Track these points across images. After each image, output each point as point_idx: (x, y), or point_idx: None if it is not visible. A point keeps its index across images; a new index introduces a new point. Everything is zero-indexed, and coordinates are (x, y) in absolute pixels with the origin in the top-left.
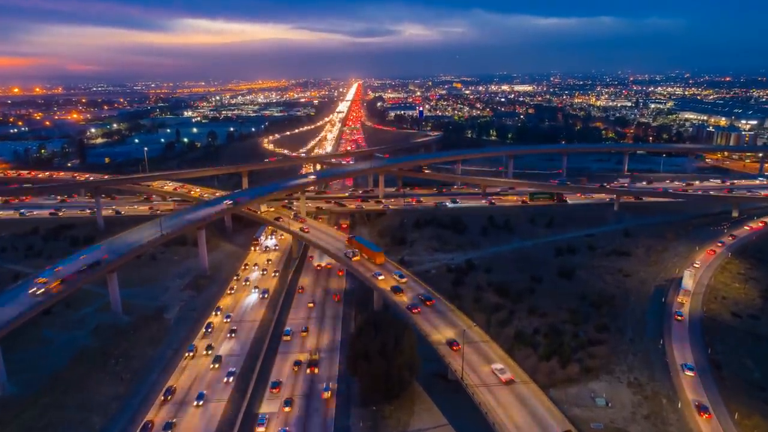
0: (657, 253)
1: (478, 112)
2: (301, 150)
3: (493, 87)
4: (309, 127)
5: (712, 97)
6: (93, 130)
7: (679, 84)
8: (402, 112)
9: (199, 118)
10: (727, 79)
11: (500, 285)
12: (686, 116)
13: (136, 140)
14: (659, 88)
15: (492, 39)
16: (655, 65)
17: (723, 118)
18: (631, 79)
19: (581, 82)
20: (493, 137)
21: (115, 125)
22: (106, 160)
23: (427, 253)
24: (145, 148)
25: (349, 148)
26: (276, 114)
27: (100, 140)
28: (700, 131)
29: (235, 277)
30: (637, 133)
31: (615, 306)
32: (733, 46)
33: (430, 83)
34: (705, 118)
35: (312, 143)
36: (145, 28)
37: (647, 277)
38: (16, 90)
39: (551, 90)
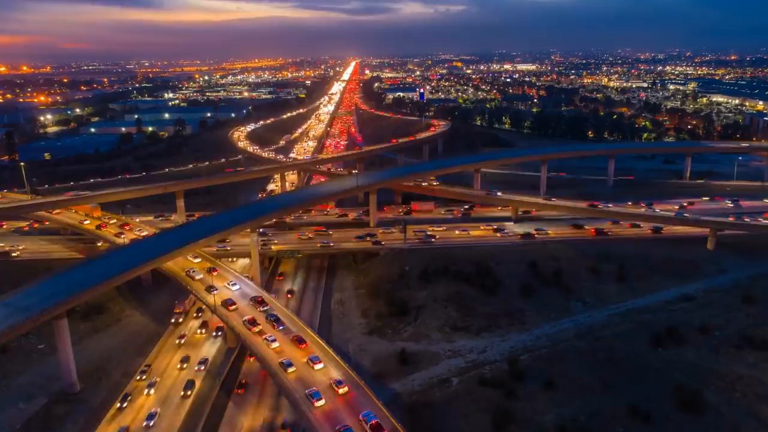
0: None
1: (484, 94)
2: (280, 141)
3: (494, 66)
4: (297, 112)
5: (729, 77)
6: (49, 116)
7: (686, 63)
8: (401, 94)
9: (178, 101)
10: (733, 57)
11: (580, 430)
12: (716, 99)
13: (92, 129)
14: (668, 67)
15: (491, 17)
16: (656, 44)
17: (760, 102)
18: (634, 58)
19: (584, 61)
20: (506, 125)
21: (78, 110)
22: (46, 156)
23: (443, 335)
24: (22, 164)
25: (335, 148)
26: (264, 96)
27: (54, 129)
28: (754, 120)
29: (119, 401)
30: (673, 121)
31: None
32: (732, 24)
33: (429, 62)
34: (737, 101)
35: (295, 134)
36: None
37: None
38: (2, 69)
39: (555, 69)
